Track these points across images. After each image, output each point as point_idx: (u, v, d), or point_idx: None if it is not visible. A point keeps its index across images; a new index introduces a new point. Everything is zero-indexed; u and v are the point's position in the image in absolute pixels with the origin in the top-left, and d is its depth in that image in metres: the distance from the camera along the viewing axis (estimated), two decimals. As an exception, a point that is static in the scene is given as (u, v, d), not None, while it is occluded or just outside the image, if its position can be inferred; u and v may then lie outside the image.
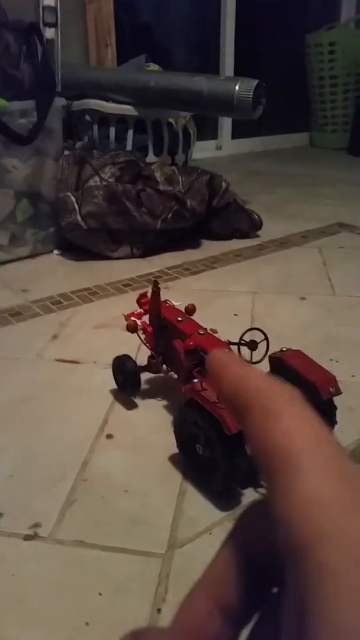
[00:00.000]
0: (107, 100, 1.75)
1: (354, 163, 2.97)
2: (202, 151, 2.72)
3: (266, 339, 0.75)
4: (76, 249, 1.50)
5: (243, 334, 0.74)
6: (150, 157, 1.79)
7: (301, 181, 2.51)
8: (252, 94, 1.56)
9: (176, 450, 0.75)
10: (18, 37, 1.33)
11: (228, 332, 0.81)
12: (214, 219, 1.62)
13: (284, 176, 2.61)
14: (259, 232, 1.70)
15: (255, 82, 1.58)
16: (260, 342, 0.75)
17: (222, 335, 0.80)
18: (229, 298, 1.28)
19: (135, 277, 1.38)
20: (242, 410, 0.17)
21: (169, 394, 0.90)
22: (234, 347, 0.75)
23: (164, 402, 0.88)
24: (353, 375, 0.94)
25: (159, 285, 0.82)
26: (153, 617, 0.55)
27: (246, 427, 0.16)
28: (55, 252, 1.53)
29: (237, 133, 3.17)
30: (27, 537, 0.63)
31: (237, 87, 1.57)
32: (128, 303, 1.18)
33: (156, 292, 0.81)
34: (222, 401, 0.18)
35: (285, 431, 0.15)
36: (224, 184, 1.61)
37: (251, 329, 0.74)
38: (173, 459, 0.76)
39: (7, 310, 1.19)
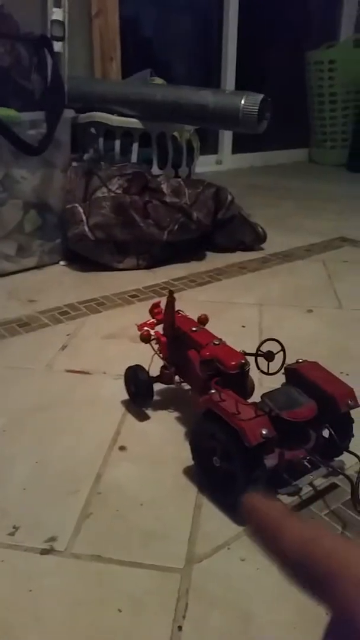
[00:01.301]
0: (112, 113, 1.76)
1: (353, 179, 2.99)
2: (203, 165, 2.73)
3: (283, 350, 0.74)
4: (82, 259, 1.49)
5: (260, 345, 0.74)
6: (155, 170, 1.80)
7: (302, 196, 2.52)
8: (257, 108, 1.57)
9: (191, 463, 0.74)
10: (29, 48, 1.34)
11: (237, 343, 0.80)
12: (218, 231, 1.62)
13: (284, 191, 2.63)
14: (262, 245, 1.71)
15: (260, 96, 1.59)
16: (277, 353, 0.74)
17: (232, 347, 0.80)
18: (236, 310, 1.27)
19: (141, 289, 1.38)
20: (321, 578, 0.16)
21: (181, 406, 0.89)
22: (251, 358, 0.74)
23: (177, 414, 0.87)
24: (365, 388, 0.93)
25: (174, 295, 0.81)
26: (174, 635, 0.54)
27: (330, 595, 0.16)
28: (61, 262, 1.53)
29: (237, 148, 3.19)
30: (44, 552, 0.62)
31: (242, 101, 1.59)
32: (135, 314, 1.18)
33: (171, 301, 0.81)
34: (280, 560, 0.17)
35: None
36: (229, 197, 1.61)
37: (268, 339, 0.74)
38: (188, 471, 0.75)
39: (15, 320, 1.18)
